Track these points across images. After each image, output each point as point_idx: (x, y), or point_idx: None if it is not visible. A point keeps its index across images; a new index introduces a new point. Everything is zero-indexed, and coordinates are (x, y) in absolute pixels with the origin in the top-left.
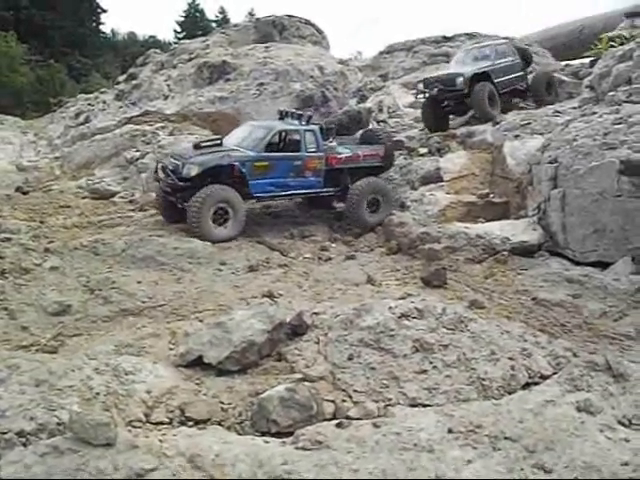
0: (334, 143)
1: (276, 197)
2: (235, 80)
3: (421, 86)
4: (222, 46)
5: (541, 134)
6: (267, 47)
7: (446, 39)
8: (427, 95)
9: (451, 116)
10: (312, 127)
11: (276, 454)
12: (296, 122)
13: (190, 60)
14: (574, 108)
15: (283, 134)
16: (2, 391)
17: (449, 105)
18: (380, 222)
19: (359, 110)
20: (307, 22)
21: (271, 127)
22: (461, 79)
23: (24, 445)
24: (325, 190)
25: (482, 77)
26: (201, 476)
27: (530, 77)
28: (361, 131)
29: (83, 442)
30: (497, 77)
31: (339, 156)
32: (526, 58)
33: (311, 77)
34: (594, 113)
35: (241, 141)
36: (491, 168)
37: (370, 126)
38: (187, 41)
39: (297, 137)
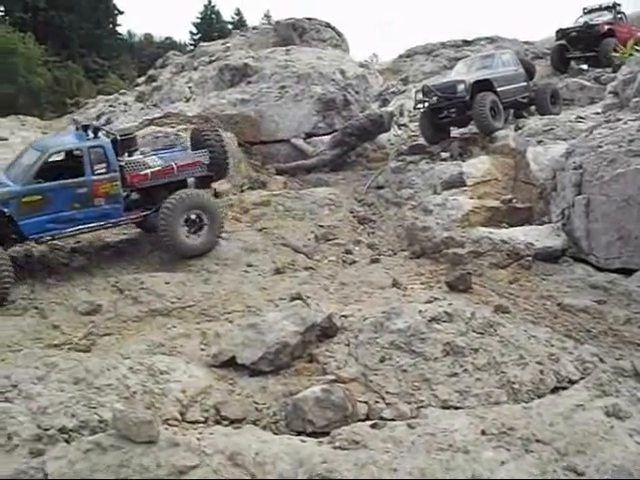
0: (138, 156)
1: (60, 236)
2: (257, 83)
3: (420, 95)
4: (242, 49)
5: (564, 140)
6: (288, 50)
7: (466, 43)
8: (426, 104)
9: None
10: (100, 142)
11: (315, 453)
12: (83, 135)
13: (211, 62)
14: (597, 114)
15: (62, 155)
16: (42, 388)
17: (449, 116)
18: (208, 246)
19: (381, 114)
20: (327, 25)
21: (43, 149)
22: (462, 86)
23: (67, 441)
24: (127, 218)
25: (484, 86)
26: (242, 474)
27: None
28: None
29: (126, 439)
30: (500, 86)
31: (142, 173)
32: (529, 70)
33: (332, 80)
34: (619, 119)
35: (11, 170)
36: (514, 173)
37: (393, 128)
38: (207, 43)
39: (79, 157)
